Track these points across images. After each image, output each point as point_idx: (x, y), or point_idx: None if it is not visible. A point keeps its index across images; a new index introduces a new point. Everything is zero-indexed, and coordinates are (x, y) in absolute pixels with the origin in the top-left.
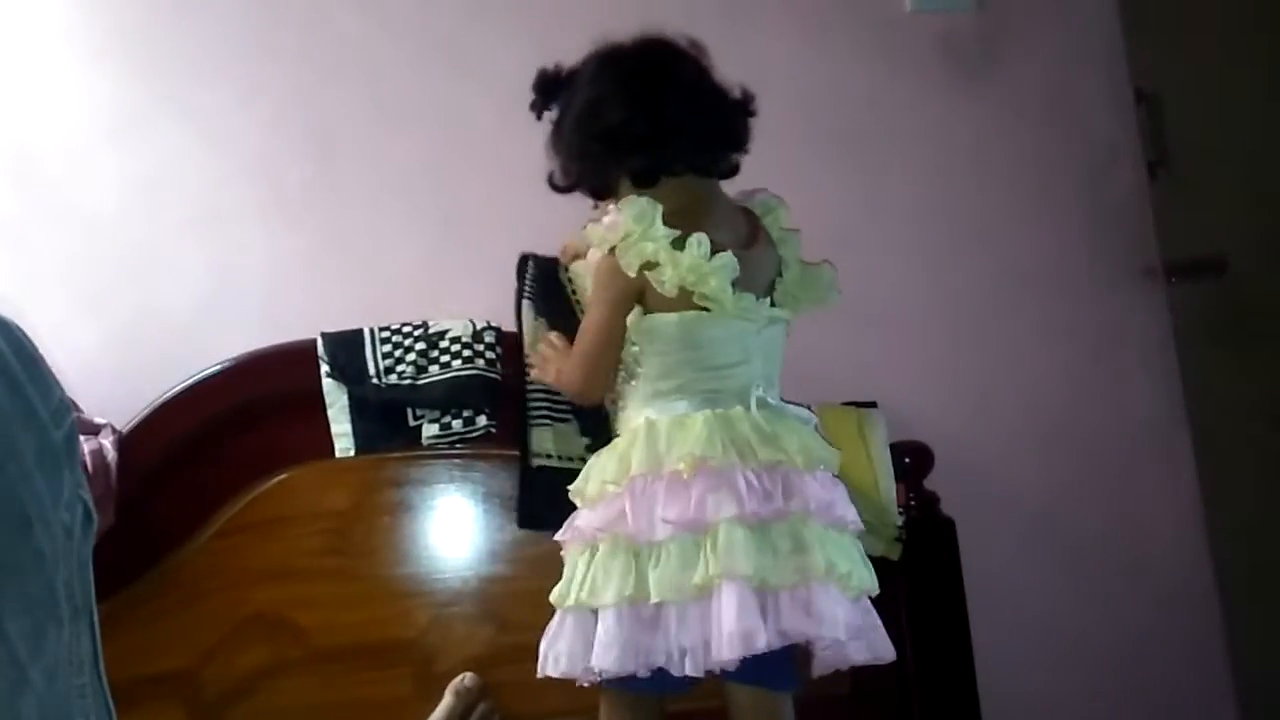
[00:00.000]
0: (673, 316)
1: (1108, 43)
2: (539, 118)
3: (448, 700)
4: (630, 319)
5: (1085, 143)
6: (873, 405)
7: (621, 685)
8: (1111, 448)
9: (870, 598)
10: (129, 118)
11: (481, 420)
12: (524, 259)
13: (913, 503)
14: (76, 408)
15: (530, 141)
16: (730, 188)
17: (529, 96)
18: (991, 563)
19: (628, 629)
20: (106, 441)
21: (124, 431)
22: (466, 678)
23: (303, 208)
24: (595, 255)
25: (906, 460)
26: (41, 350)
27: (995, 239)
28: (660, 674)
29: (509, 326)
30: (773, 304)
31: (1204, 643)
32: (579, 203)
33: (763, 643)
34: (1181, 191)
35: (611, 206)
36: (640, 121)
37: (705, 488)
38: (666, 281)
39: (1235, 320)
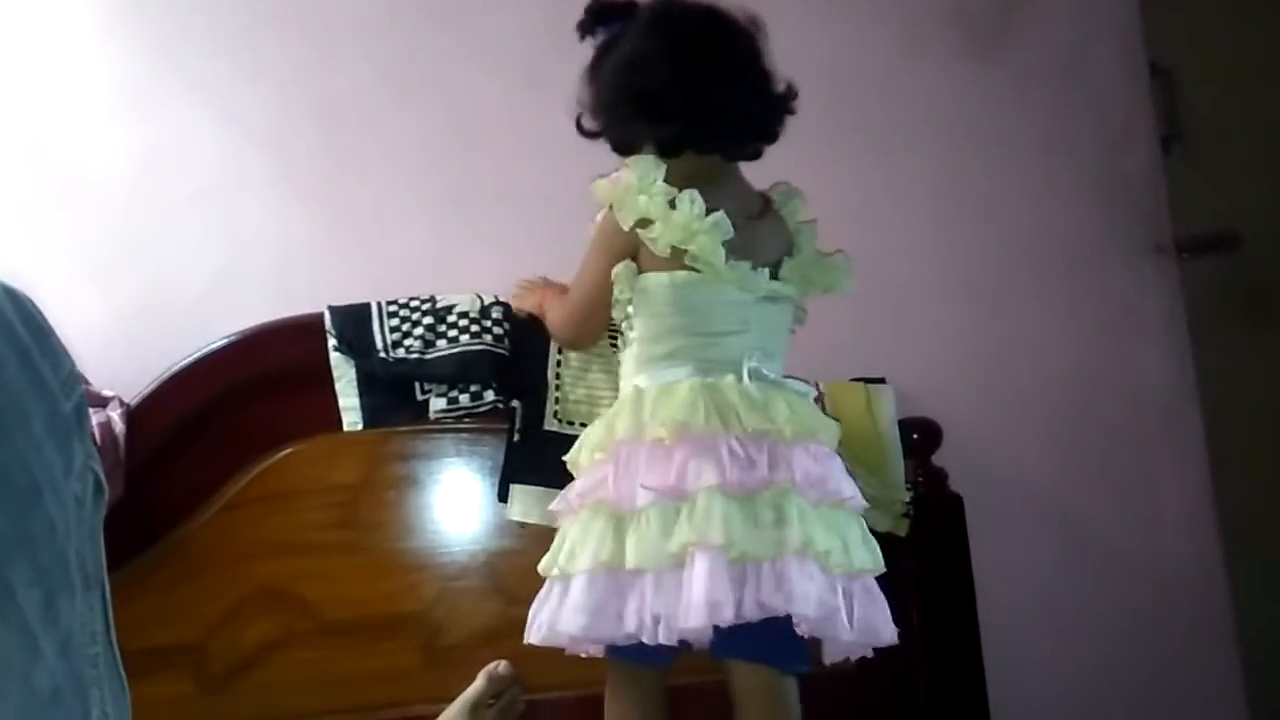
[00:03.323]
0: (664, 276)
1: (1122, 16)
2: (581, 39)
3: (479, 683)
4: (618, 270)
5: (1099, 117)
6: (881, 381)
7: (623, 656)
8: (1122, 424)
9: (876, 579)
10: (137, 91)
11: (489, 395)
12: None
13: (921, 479)
14: (85, 380)
15: (538, 116)
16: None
17: (539, 70)
18: (999, 540)
19: (599, 595)
20: (115, 414)
21: (132, 404)
22: (500, 665)
23: (311, 182)
24: (601, 215)
25: (915, 437)
26: (51, 322)
27: (1007, 213)
28: (661, 646)
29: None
30: (774, 278)
31: (1211, 622)
32: (586, 178)
33: (729, 615)
34: (1195, 167)
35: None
36: (681, 94)
37: (687, 455)
38: (658, 239)
39: (1248, 297)
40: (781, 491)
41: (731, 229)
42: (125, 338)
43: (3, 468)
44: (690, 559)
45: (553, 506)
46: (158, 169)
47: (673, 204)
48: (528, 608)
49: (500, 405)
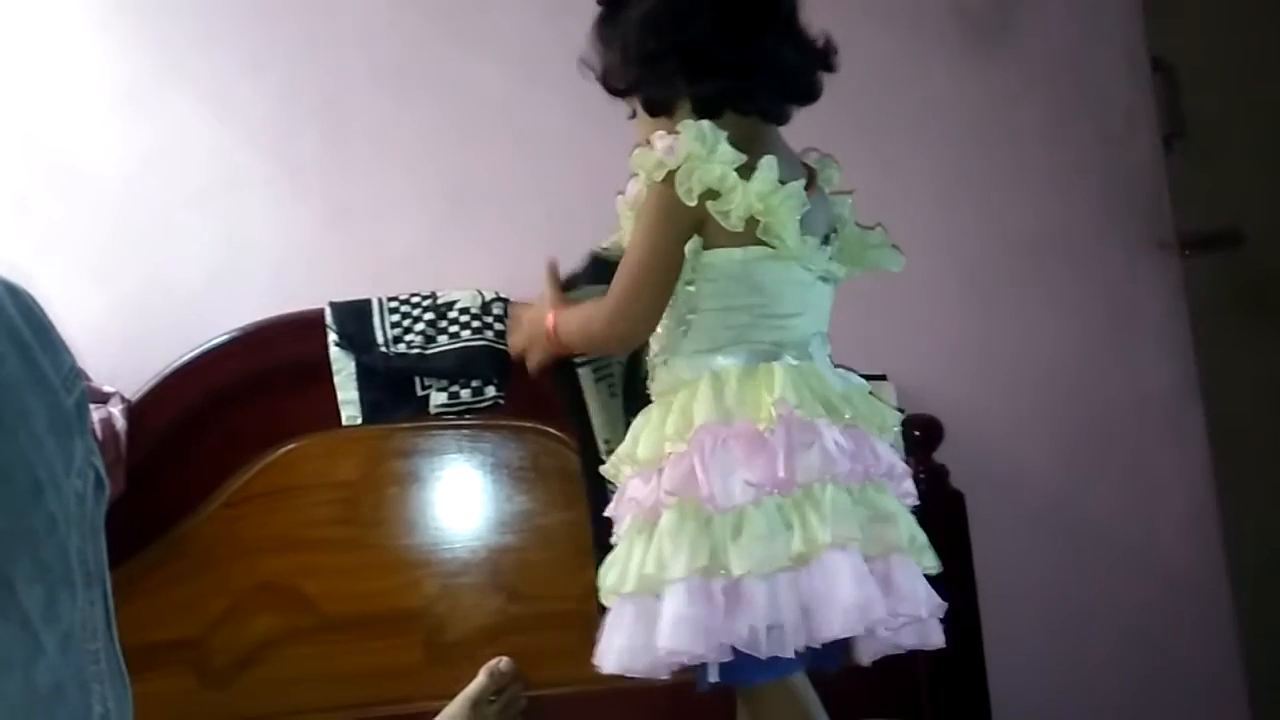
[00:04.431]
0: (736, 252)
1: (1124, 11)
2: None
3: (481, 679)
4: (690, 248)
5: (1100, 113)
6: (883, 378)
7: (761, 675)
8: (1123, 422)
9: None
10: (135, 87)
11: (490, 390)
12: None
13: (922, 476)
14: (86, 376)
15: (538, 112)
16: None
17: (538, 66)
18: (1000, 536)
19: (701, 605)
20: (115, 410)
21: (133, 400)
22: (502, 661)
23: (310, 178)
24: (636, 187)
25: (916, 433)
26: (51, 318)
27: (1008, 210)
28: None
29: (517, 298)
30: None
31: (1213, 619)
32: (585, 175)
33: (881, 614)
34: (1197, 164)
35: (659, 133)
36: (727, 46)
37: (791, 444)
38: (732, 211)
39: (1250, 294)
40: (879, 487)
41: (806, 200)
42: (125, 333)
43: (3, 463)
44: (818, 560)
45: (610, 511)
46: (156, 165)
47: (741, 172)
48: (529, 604)
49: (500, 402)
